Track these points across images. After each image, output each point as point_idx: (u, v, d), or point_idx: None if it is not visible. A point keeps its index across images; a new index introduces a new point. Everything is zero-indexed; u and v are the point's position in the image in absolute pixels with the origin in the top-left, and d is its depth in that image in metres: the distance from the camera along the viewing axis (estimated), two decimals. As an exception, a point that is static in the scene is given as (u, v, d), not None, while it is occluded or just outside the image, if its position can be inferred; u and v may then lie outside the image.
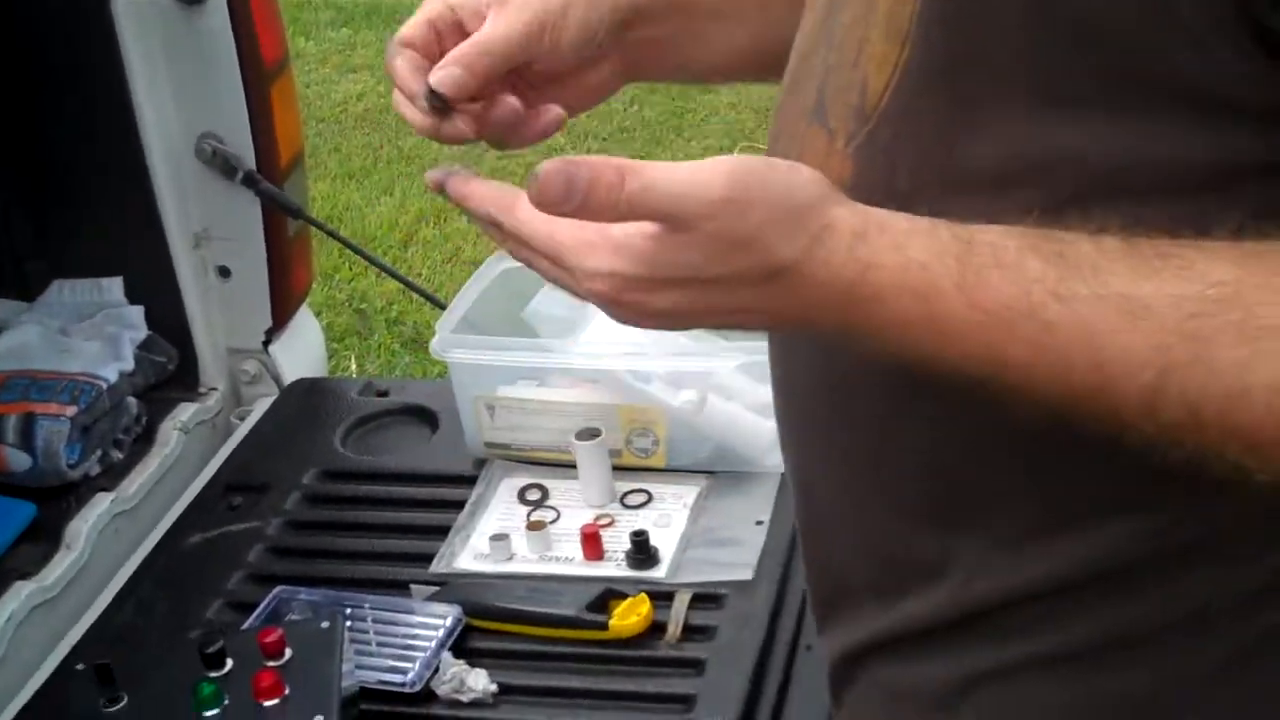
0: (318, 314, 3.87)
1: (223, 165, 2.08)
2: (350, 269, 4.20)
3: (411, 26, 0.96)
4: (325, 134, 5.11)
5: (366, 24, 6.06)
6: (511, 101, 0.95)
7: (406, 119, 0.96)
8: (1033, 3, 0.70)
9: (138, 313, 2.14)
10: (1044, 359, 0.69)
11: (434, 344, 1.84)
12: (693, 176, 0.73)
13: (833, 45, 0.84)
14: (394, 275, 2.72)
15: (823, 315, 0.74)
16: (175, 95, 2.06)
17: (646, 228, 0.74)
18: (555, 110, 0.97)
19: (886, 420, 0.85)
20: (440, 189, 0.85)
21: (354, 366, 3.76)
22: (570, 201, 0.73)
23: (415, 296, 4.07)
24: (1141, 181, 0.70)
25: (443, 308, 2.03)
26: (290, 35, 5.74)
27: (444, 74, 0.92)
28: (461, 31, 0.95)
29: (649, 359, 1.78)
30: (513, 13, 0.94)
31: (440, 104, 0.93)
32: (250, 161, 2.08)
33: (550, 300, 1.82)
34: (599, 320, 1.83)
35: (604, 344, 1.79)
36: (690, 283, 0.74)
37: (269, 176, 2.09)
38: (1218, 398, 0.67)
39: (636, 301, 0.75)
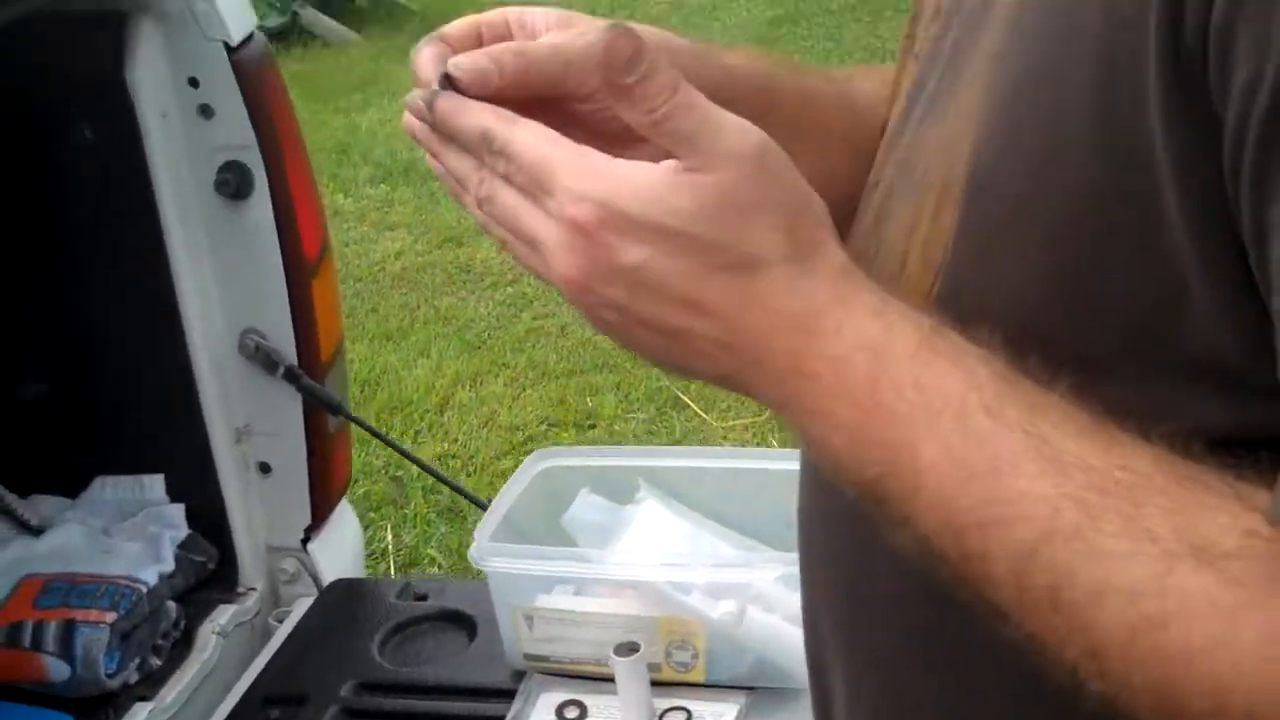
0: (355, 481, 3.88)
1: (264, 361, 2.09)
2: (387, 433, 4.21)
3: (455, 24, 0.86)
4: (363, 294, 5.13)
5: (404, 181, 6.11)
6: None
7: (406, 117, 0.83)
8: (1049, 264, 0.70)
9: (178, 511, 2.14)
10: (951, 466, 0.67)
11: (472, 552, 1.83)
12: (738, 123, 0.70)
13: (881, 250, 0.83)
14: (433, 473, 2.72)
15: (778, 342, 0.70)
16: (219, 290, 2.08)
17: (653, 167, 0.70)
18: None
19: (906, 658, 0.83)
20: (425, 113, 0.77)
21: (389, 537, 3.74)
22: (633, 72, 0.68)
23: (452, 464, 4.08)
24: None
25: (480, 505, 2.02)
26: (329, 192, 5.88)
27: (466, 58, 0.78)
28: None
29: (688, 569, 1.76)
30: (574, 31, 0.85)
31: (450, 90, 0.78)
32: (292, 357, 2.09)
33: (588, 506, 1.82)
34: (637, 528, 1.82)
35: (642, 553, 1.78)
36: (672, 237, 0.69)
37: (310, 372, 2.10)
38: (1081, 585, 0.64)
39: (608, 244, 0.69)
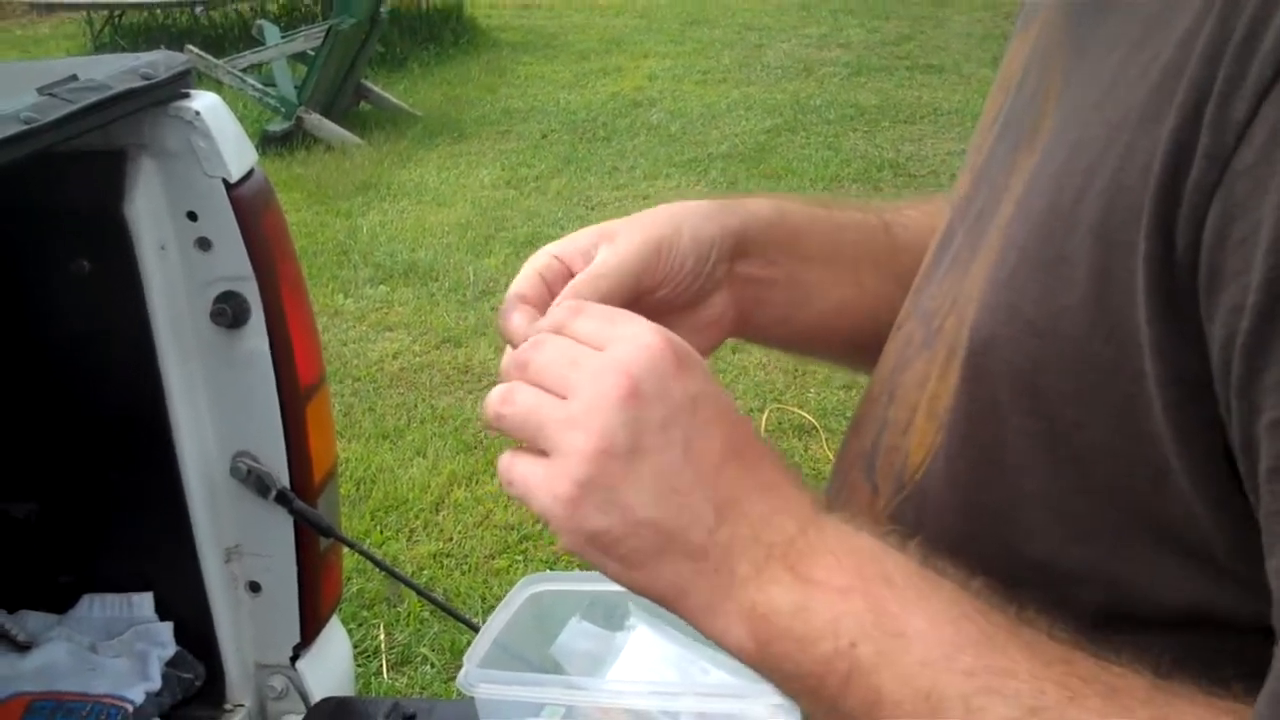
0: (348, 579, 3.89)
1: (256, 483, 2.12)
2: (381, 533, 4.23)
3: (522, 282, 0.91)
4: (360, 393, 5.18)
5: (404, 282, 6.20)
6: None
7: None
8: (1039, 431, 0.73)
9: (167, 630, 2.16)
10: (937, 636, 0.70)
11: (460, 679, 1.85)
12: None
13: (893, 400, 0.87)
14: (429, 598, 2.70)
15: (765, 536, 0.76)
16: (213, 415, 2.12)
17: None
18: None
19: None
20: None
21: (382, 635, 3.75)
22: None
23: (446, 562, 4.08)
24: (1130, 616, 0.71)
25: (470, 625, 2.03)
26: (330, 292, 5.95)
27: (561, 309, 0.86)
28: (571, 278, 0.91)
29: (678, 698, 1.78)
30: (625, 239, 0.91)
31: None
32: (284, 479, 2.13)
33: (579, 634, 1.84)
34: (628, 655, 1.84)
35: (632, 680, 1.79)
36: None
37: (302, 494, 2.13)
38: None
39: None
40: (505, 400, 0.79)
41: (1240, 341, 0.62)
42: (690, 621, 0.78)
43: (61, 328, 2.12)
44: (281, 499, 2.11)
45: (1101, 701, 0.66)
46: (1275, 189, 0.59)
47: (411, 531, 4.29)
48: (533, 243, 6.64)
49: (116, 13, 11.07)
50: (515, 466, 0.79)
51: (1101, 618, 0.71)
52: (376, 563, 2.56)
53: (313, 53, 8.62)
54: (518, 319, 0.88)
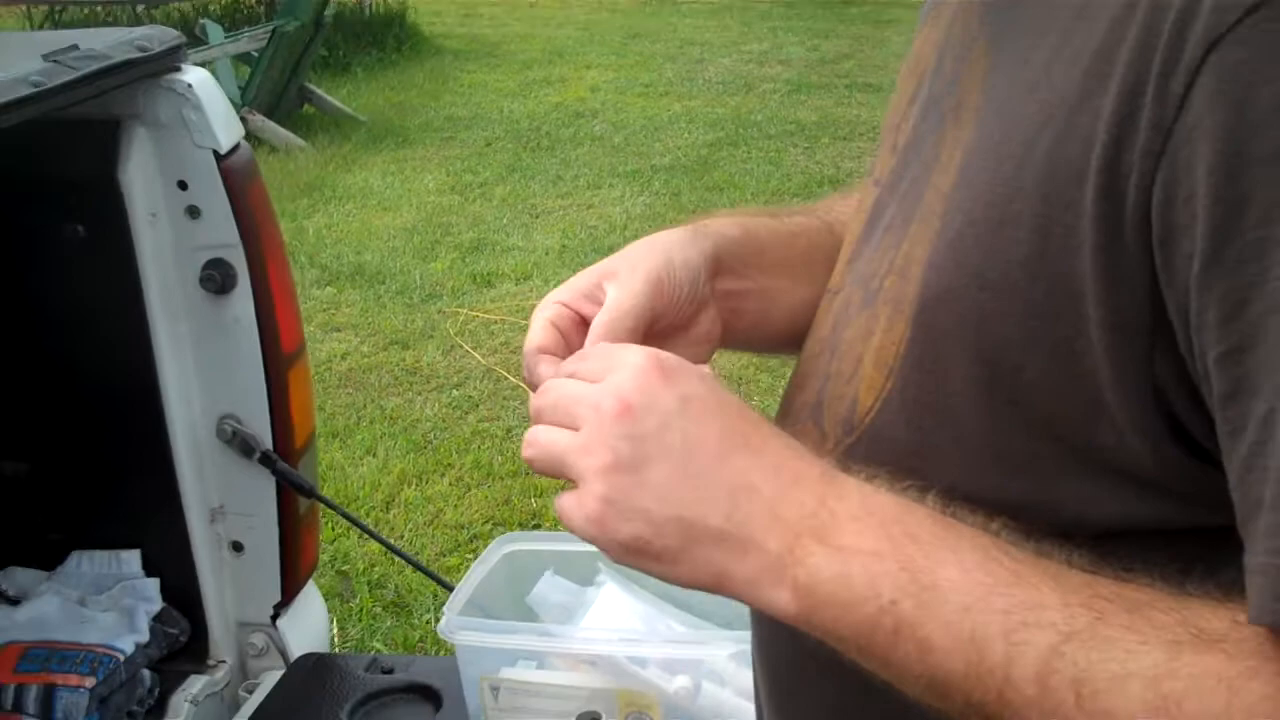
0: None
1: (241, 445, 2.19)
2: (333, 529, 4.23)
3: (538, 335, 0.99)
4: (309, 393, 5.21)
5: (351, 284, 6.24)
6: None
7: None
8: (983, 376, 0.83)
9: (153, 585, 2.23)
10: (970, 583, 0.77)
11: (441, 626, 1.94)
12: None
13: (835, 354, 0.97)
14: (414, 563, 2.77)
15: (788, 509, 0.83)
16: (200, 378, 2.19)
17: None
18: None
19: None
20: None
21: (334, 630, 3.78)
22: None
23: (397, 559, 4.11)
24: (1069, 537, 0.80)
25: (445, 585, 2.10)
26: (276, 294, 5.95)
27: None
28: (582, 323, 0.99)
29: (646, 644, 1.87)
30: (628, 277, 1.00)
31: None
32: (267, 442, 2.20)
33: (552, 587, 1.93)
34: (598, 608, 1.94)
35: (603, 630, 1.89)
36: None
37: (284, 457, 2.20)
38: (1103, 676, 0.72)
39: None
40: (529, 444, 0.88)
41: (1190, 286, 0.72)
42: (743, 601, 0.85)
43: (56, 291, 2.18)
44: (265, 460, 2.18)
45: (1128, 616, 0.73)
46: (1210, 151, 0.69)
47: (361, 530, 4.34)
48: (478, 248, 6.70)
49: (57, 8, 11.02)
50: (557, 501, 0.87)
51: (1041, 541, 0.80)
52: (354, 522, 2.64)
53: (256, 54, 8.65)
54: (544, 369, 0.96)
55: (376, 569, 4.10)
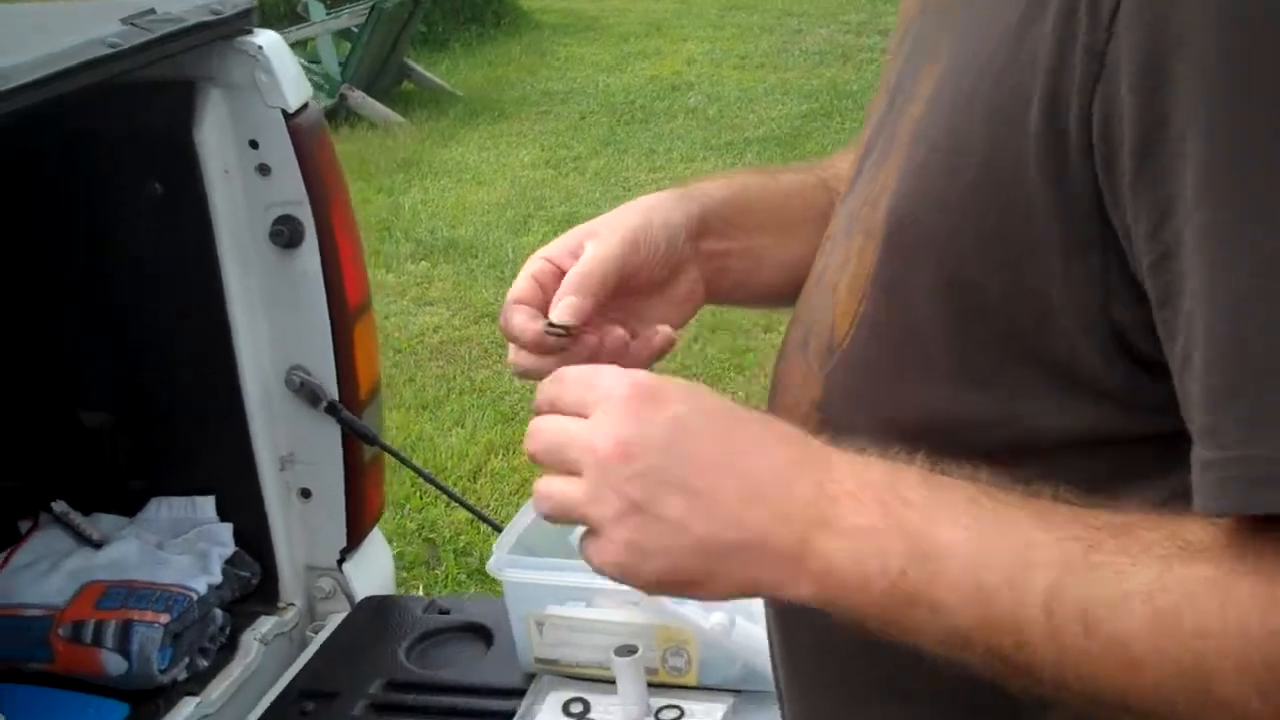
0: (388, 542, 3.99)
1: (309, 395, 2.28)
2: (421, 498, 4.33)
3: (517, 286, 1.04)
4: (401, 365, 5.30)
5: (444, 258, 6.33)
6: (619, 332, 1.04)
7: (520, 369, 1.04)
8: (946, 295, 0.87)
9: (227, 530, 2.33)
10: (969, 541, 0.80)
11: (491, 563, 2.02)
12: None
13: (820, 287, 1.02)
14: (463, 503, 2.88)
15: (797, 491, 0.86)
16: (269, 330, 2.28)
17: None
18: (664, 331, 1.08)
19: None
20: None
21: (421, 593, 3.86)
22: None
23: (483, 527, 4.18)
24: (1031, 447, 0.85)
25: (494, 526, 2.17)
26: (371, 267, 6.03)
27: (560, 305, 1.01)
28: (562, 276, 1.04)
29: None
30: (606, 235, 1.05)
31: (562, 332, 1.01)
32: (333, 392, 2.29)
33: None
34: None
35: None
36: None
37: (350, 407, 2.29)
38: (1104, 600, 0.76)
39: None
40: (537, 497, 0.90)
41: (1125, 203, 0.76)
42: (777, 599, 0.88)
43: (134, 245, 2.29)
44: (331, 409, 2.27)
45: (1115, 540, 0.76)
46: (1131, 71, 0.74)
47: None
48: (570, 221, 6.69)
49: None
50: (581, 548, 0.90)
51: (1004, 453, 0.85)
52: (415, 469, 2.72)
53: (357, 30, 8.76)
54: (518, 319, 1.02)
55: (462, 537, 4.17)
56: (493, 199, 7.18)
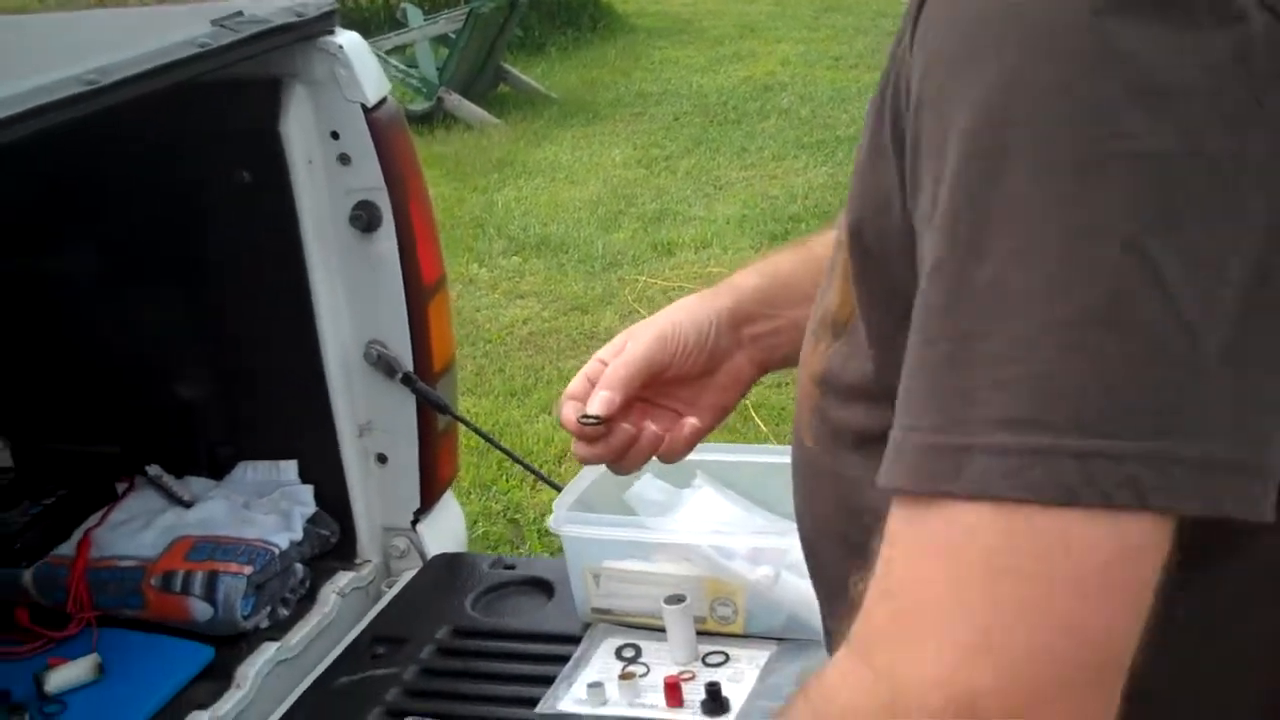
0: (474, 523, 4.14)
1: (385, 367, 2.43)
2: (506, 481, 4.49)
3: (573, 383, 1.25)
4: (492, 355, 5.47)
5: (536, 254, 6.48)
6: (654, 429, 1.24)
7: (579, 457, 1.27)
8: (883, 293, 0.92)
9: (308, 491, 2.49)
10: None
11: (551, 520, 2.16)
12: None
13: (826, 292, 1.10)
14: (527, 467, 3.01)
15: None
16: (349, 307, 2.43)
17: None
18: (691, 423, 1.26)
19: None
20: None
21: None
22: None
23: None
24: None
25: (554, 486, 2.32)
26: (465, 262, 6.26)
27: (593, 399, 1.20)
28: None
29: (732, 537, 2.07)
30: (641, 334, 1.23)
31: (594, 421, 1.21)
32: (409, 364, 2.44)
33: (650, 487, 2.13)
34: (690, 507, 2.14)
35: (694, 524, 2.09)
36: None
37: (424, 378, 2.44)
38: None
39: None
40: None
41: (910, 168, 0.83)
42: None
43: (225, 231, 2.46)
44: (406, 380, 2.42)
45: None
46: (907, 92, 0.81)
47: (535, 480, 4.48)
48: (660, 218, 6.87)
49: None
50: None
51: None
52: (484, 436, 2.86)
53: (454, 35, 8.96)
54: (566, 411, 1.23)
55: (547, 518, 4.27)
56: (584, 197, 7.31)
